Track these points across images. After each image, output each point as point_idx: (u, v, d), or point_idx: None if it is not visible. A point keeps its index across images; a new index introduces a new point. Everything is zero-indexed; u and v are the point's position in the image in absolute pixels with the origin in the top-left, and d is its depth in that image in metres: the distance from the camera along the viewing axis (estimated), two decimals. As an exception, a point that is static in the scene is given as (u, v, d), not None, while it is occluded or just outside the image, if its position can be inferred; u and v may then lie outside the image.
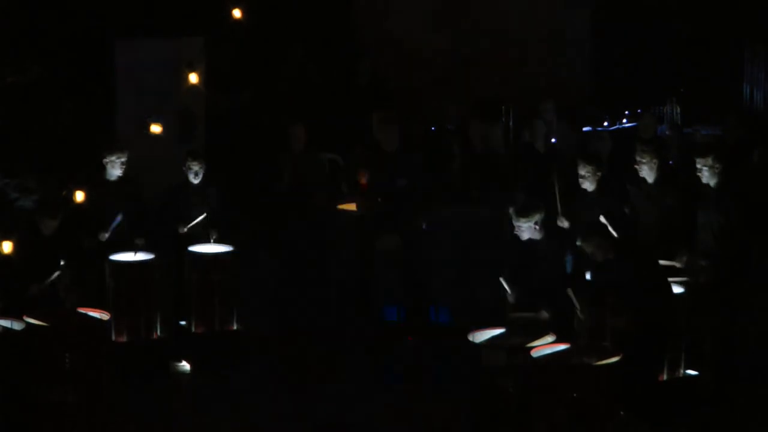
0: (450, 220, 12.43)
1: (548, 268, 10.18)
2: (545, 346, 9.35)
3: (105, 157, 11.86)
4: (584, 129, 15.29)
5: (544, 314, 9.91)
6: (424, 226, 12.32)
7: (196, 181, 12.05)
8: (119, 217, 11.55)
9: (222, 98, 15.98)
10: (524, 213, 10.22)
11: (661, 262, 10.28)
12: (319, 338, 12.36)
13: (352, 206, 12.84)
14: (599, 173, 11.32)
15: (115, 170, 11.85)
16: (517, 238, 10.31)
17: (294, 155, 12.62)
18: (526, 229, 10.22)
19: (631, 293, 9.60)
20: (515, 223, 10.26)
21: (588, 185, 11.31)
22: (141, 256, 11.44)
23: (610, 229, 10.42)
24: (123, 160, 11.84)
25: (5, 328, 9.62)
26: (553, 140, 13.40)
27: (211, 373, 11.35)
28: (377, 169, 12.21)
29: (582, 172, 11.29)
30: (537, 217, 10.22)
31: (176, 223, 11.95)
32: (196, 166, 12.03)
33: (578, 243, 10.15)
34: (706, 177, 10.56)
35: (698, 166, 10.61)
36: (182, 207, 12.04)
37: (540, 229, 10.22)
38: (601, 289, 9.83)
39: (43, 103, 14.81)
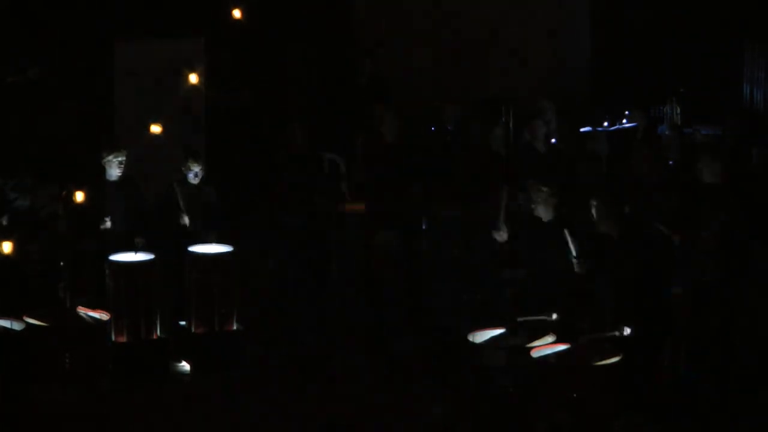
0: (450, 220, 12.42)
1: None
2: (545, 347, 9.35)
3: (103, 158, 11.87)
4: (583, 129, 15.28)
5: (554, 316, 9.84)
6: (424, 226, 12.32)
7: (195, 182, 12.05)
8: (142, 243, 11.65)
9: (222, 98, 15.98)
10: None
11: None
12: (320, 338, 12.37)
13: (359, 206, 12.83)
14: (553, 199, 11.11)
15: (113, 170, 11.85)
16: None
17: (293, 155, 12.60)
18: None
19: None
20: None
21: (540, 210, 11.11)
22: (141, 256, 11.44)
23: None
24: (120, 159, 11.84)
25: (5, 328, 9.62)
26: (553, 140, 13.39)
27: (211, 373, 11.34)
28: (378, 161, 12.20)
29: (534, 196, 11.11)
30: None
31: (177, 218, 11.93)
32: (196, 168, 12.01)
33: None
34: (707, 176, 10.56)
35: (699, 166, 10.61)
36: (181, 206, 12.02)
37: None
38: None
39: (43, 103, 14.80)
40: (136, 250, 11.48)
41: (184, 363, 11.61)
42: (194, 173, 12.00)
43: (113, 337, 10.97)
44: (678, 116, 16.71)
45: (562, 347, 9.34)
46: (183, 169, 12.08)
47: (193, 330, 11.56)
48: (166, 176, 13.25)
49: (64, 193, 11.24)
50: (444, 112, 15.56)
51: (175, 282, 11.91)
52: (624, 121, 15.82)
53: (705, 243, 10.50)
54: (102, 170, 11.87)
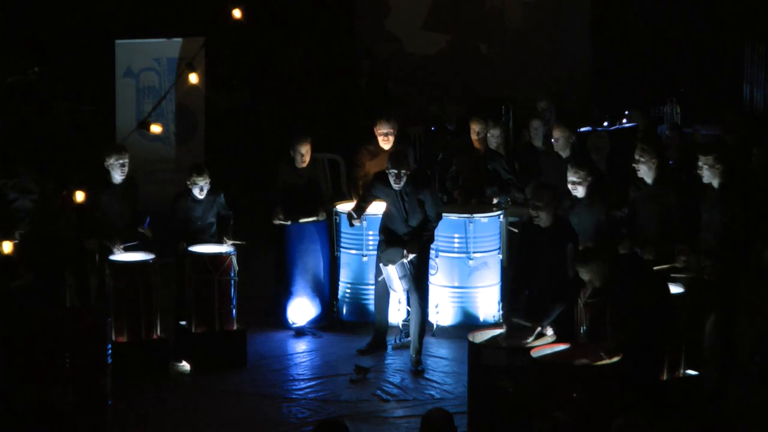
0: (451, 222, 12.42)
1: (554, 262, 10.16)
2: (545, 346, 9.36)
3: (105, 161, 11.77)
4: (583, 129, 15.29)
5: (549, 332, 9.83)
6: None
7: (201, 197, 11.87)
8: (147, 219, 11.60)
9: (222, 98, 15.99)
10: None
11: (657, 268, 10.26)
12: (319, 337, 12.37)
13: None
14: (590, 178, 11.05)
15: (115, 172, 11.77)
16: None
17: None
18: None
19: (630, 308, 9.56)
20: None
21: (579, 191, 11.05)
22: (141, 256, 11.44)
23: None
24: (122, 161, 11.75)
25: (6, 328, 9.61)
26: (553, 140, 13.39)
27: (211, 373, 11.34)
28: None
29: (573, 178, 11.00)
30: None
31: (179, 235, 11.87)
32: (201, 182, 11.84)
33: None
34: (707, 176, 10.52)
35: (699, 164, 10.56)
36: (188, 218, 11.89)
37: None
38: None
39: (43, 103, 14.82)
40: (142, 238, 11.48)
41: (184, 363, 11.61)
42: (199, 188, 11.86)
43: (113, 337, 10.97)
44: (678, 116, 16.74)
45: (562, 347, 9.35)
46: (188, 183, 11.91)
47: (193, 330, 11.56)
48: (166, 177, 13.27)
49: (64, 193, 11.22)
50: (444, 112, 15.60)
51: (175, 282, 11.91)
52: (624, 121, 15.84)
53: (706, 243, 10.49)
54: (102, 170, 11.82)
